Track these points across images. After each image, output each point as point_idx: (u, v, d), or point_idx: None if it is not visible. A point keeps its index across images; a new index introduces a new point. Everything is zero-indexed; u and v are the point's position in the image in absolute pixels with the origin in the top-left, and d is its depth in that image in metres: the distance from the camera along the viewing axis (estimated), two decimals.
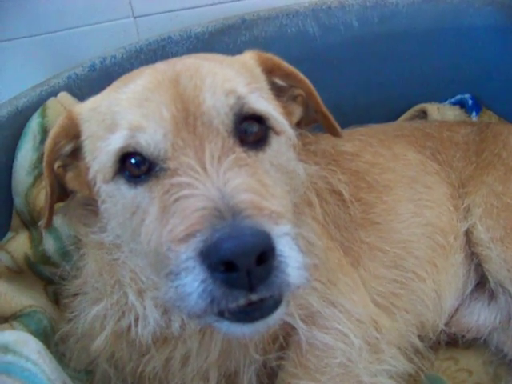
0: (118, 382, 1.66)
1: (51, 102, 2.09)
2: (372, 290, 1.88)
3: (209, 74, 1.34)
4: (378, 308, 1.85)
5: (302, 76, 1.61)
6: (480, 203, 2.05)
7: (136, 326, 1.50)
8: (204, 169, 1.18)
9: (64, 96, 2.13)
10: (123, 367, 1.62)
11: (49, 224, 1.64)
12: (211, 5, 2.74)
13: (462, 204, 2.11)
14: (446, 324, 2.06)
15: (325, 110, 1.65)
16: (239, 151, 1.27)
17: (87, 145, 1.48)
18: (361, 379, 1.63)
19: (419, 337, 1.95)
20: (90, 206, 1.56)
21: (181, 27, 2.58)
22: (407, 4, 2.71)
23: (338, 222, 1.91)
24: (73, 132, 1.50)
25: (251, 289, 1.08)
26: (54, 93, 2.18)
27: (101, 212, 1.47)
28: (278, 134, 1.38)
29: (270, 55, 1.60)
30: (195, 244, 1.08)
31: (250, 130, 1.33)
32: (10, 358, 1.32)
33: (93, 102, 1.50)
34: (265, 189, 1.22)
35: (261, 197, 1.16)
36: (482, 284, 2.09)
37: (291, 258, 1.12)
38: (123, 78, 1.51)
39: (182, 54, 2.50)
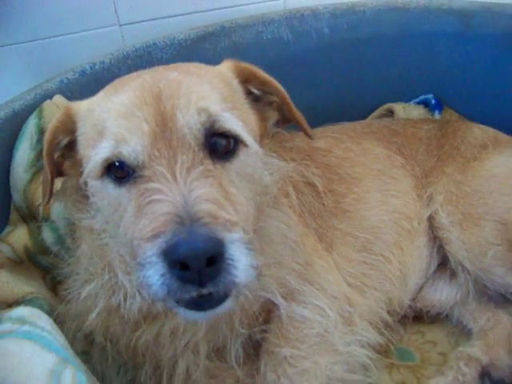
0: (114, 354, 1.78)
1: (47, 105, 2.19)
2: (344, 272, 2.04)
3: (185, 93, 1.45)
4: (350, 287, 2.02)
5: (276, 84, 1.71)
6: (441, 191, 2.22)
7: (125, 302, 1.63)
8: (174, 177, 1.34)
9: (59, 98, 2.24)
10: (117, 341, 1.75)
11: (48, 202, 1.74)
12: (192, 13, 2.87)
13: (425, 193, 2.27)
14: (413, 300, 2.22)
15: (298, 115, 1.77)
16: (207, 163, 1.41)
17: (81, 140, 1.61)
18: (336, 348, 1.80)
19: (388, 312, 2.11)
20: (83, 191, 1.67)
21: (164, 34, 2.70)
22: (374, 12, 2.84)
23: (312, 211, 2.07)
24: (69, 127, 1.63)
25: (201, 284, 1.27)
26: (47, 96, 2.29)
27: (90, 202, 1.61)
28: (246, 146, 1.52)
29: (246, 65, 1.70)
30: (159, 244, 1.26)
31: (220, 144, 1.47)
32: (27, 327, 1.44)
33: (89, 103, 1.61)
34: (226, 198, 1.38)
35: (219, 206, 1.32)
36: (443, 264, 2.27)
37: (240, 261, 1.29)
38: (116, 84, 1.63)
39: (167, 59, 2.63)
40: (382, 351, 2.03)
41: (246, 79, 1.68)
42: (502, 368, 1.89)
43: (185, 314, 1.39)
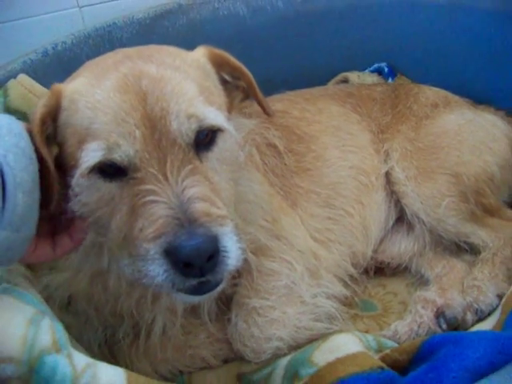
0: (95, 318, 1.85)
1: (12, 83, 2.24)
2: (309, 228, 2.14)
3: (172, 96, 1.49)
4: (316, 242, 2.12)
5: (245, 70, 1.77)
6: (396, 148, 2.33)
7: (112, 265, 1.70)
8: (165, 178, 1.42)
9: (23, 77, 2.29)
10: (102, 308, 1.82)
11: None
12: None
13: (382, 147, 2.39)
14: (375, 252, 2.34)
15: (261, 97, 1.84)
16: (195, 161, 1.49)
17: (66, 134, 1.54)
18: (303, 299, 1.90)
19: (353, 265, 2.22)
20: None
21: (123, 14, 2.78)
22: None
23: (275, 170, 2.17)
24: (54, 114, 1.56)
25: (202, 275, 1.40)
26: (11, 76, 2.34)
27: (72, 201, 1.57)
28: (222, 131, 1.59)
29: (219, 52, 1.74)
30: (161, 244, 1.37)
31: (202, 135, 1.53)
32: (4, 285, 1.50)
33: (72, 91, 1.54)
34: (212, 189, 1.48)
35: (210, 203, 1.43)
36: (401, 218, 2.38)
37: (232, 251, 1.43)
38: (95, 71, 1.58)
39: (127, 37, 2.73)
40: (347, 303, 2.13)
41: (218, 64, 1.74)
42: (455, 307, 2.00)
43: (183, 298, 1.52)
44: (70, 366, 1.33)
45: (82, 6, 2.87)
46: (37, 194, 1.41)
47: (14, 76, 2.34)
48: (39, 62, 2.54)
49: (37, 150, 1.46)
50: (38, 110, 1.53)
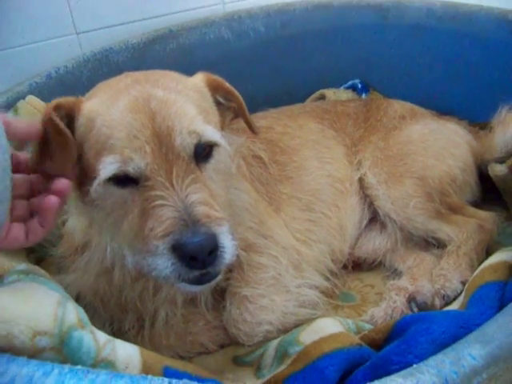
0: (102, 313, 2.05)
1: (21, 104, 2.45)
2: (292, 229, 2.35)
3: (176, 116, 1.66)
4: (298, 242, 2.34)
5: (236, 93, 1.95)
6: (368, 157, 2.56)
7: (118, 264, 1.92)
8: (172, 185, 1.63)
9: (32, 98, 2.50)
10: (108, 301, 2.03)
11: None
12: (142, 20, 3.19)
13: (355, 159, 2.61)
14: (352, 249, 2.54)
15: (248, 117, 2.03)
16: (196, 171, 1.67)
17: (78, 146, 1.73)
18: (288, 289, 2.13)
19: (332, 261, 2.43)
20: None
21: (119, 40, 3.01)
22: (303, 10, 3.22)
23: (261, 179, 2.39)
24: (70, 115, 1.73)
25: (203, 268, 1.61)
26: (19, 98, 2.55)
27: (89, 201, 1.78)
28: (218, 146, 1.80)
29: (215, 77, 1.92)
30: (169, 241, 1.56)
31: (202, 149, 1.75)
32: (31, 276, 1.69)
33: (89, 110, 1.72)
34: (211, 195, 1.67)
35: (210, 207, 1.62)
36: (374, 218, 2.59)
37: (228, 247, 1.62)
38: (109, 92, 1.76)
39: (123, 61, 2.95)
40: (329, 295, 2.34)
41: (214, 88, 1.92)
42: (424, 293, 2.20)
43: (185, 288, 1.71)
44: (93, 340, 1.53)
45: (80, 33, 3.08)
46: (8, 182, 1.43)
47: (22, 97, 2.54)
48: (44, 84, 2.75)
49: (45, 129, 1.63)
50: (55, 100, 1.71)
